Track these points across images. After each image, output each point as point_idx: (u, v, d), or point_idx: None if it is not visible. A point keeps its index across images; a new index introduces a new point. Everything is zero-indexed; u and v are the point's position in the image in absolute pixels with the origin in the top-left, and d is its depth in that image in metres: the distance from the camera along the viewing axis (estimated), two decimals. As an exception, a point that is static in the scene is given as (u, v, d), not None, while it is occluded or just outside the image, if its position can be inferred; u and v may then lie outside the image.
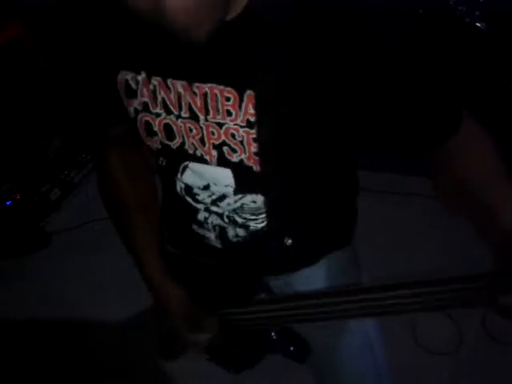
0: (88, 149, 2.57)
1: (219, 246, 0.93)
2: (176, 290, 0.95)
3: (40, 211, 2.40)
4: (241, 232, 0.89)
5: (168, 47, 0.70)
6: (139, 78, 0.76)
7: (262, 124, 0.72)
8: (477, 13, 2.04)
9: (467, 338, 1.84)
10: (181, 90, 0.74)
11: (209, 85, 0.72)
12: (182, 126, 0.77)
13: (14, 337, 1.98)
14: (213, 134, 0.76)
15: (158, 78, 0.75)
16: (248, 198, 0.83)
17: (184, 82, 0.74)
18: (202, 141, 0.78)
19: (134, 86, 0.77)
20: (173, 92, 0.75)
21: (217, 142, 0.77)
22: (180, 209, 0.93)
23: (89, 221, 2.33)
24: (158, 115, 0.78)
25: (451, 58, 0.77)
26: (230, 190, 0.82)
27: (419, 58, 0.70)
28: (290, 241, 0.87)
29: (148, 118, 0.79)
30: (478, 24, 2.04)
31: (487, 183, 0.73)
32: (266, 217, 0.85)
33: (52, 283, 2.14)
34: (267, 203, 0.83)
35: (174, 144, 0.80)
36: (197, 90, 0.73)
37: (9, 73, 2.36)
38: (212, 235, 0.93)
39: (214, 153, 0.78)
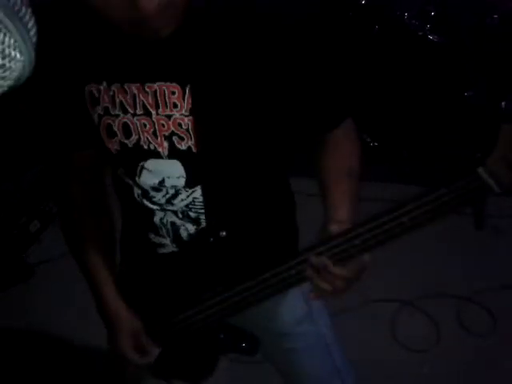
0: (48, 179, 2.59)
1: (175, 249, 1.02)
2: (128, 315, 1.07)
3: (20, 243, 2.41)
4: (191, 229, 0.98)
5: (124, 55, 0.86)
6: (101, 87, 0.89)
7: (197, 112, 0.87)
8: (428, 26, 2.17)
9: (444, 334, 1.91)
10: (135, 91, 0.88)
11: (157, 83, 0.87)
12: (137, 122, 0.90)
13: (4, 367, 1.99)
14: (163, 125, 0.89)
15: (117, 85, 0.88)
16: (198, 192, 0.94)
17: (137, 84, 0.88)
18: (154, 134, 0.90)
19: (96, 94, 0.90)
20: (129, 94, 0.88)
21: (167, 133, 0.90)
22: (138, 217, 1.03)
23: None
24: (116, 116, 0.90)
25: (350, 65, 0.95)
26: (182, 181, 0.93)
27: (323, 63, 0.92)
28: (224, 233, 0.97)
29: (109, 121, 0.91)
30: (430, 36, 2.18)
31: (337, 176, 0.95)
32: (204, 207, 0.96)
33: (38, 312, 2.17)
34: (206, 193, 0.95)
35: (131, 141, 0.92)
36: (148, 89, 0.87)
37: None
38: (167, 240, 1.02)
39: (166, 144, 0.91)
